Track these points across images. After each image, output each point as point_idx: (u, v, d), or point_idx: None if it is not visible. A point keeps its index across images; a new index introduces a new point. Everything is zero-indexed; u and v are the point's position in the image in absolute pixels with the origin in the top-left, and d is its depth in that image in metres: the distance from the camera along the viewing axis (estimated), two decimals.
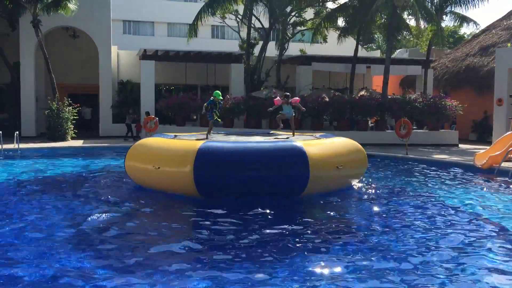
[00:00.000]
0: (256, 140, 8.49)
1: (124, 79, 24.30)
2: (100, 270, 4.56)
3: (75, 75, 24.04)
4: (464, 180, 10.79)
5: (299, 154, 7.39)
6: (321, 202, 7.58)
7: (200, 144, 7.61)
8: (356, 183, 9.19)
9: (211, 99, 9.41)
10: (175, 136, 9.47)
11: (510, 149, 11.72)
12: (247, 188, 7.41)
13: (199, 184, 7.37)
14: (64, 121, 19.07)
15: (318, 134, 10.21)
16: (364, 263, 4.85)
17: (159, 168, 7.77)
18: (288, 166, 7.41)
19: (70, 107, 19.47)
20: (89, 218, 6.56)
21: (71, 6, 19.18)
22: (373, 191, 8.94)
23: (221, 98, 9.57)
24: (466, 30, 50.61)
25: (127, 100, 22.89)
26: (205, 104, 9.55)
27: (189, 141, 8.18)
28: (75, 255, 4.98)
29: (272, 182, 7.41)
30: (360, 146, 8.95)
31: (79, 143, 18.16)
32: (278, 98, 10.16)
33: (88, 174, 11.07)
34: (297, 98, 10.62)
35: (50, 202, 7.72)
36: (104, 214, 6.81)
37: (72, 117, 19.46)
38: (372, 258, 4.97)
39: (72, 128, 19.51)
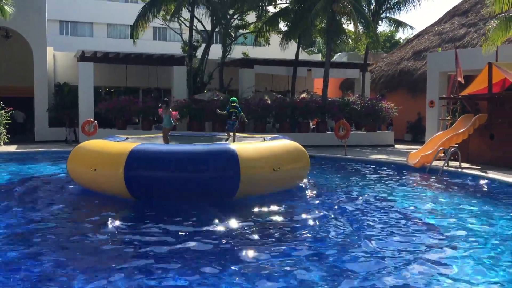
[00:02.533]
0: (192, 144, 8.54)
1: (61, 81, 23.45)
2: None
3: (8, 77, 22.91)
4: (398, 178, 11.29)
5: (230, 156, 7.41)
6: (257, 204, 7.57)
7: (132, 146, 7.61)
8: (298, 184, 9.29)
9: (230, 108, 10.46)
10: (126, 138, 9.53)
11: (440, 148, 12.39)
12: (178, 190, 7.42)
13: (130, 186, 7.37)
14: None
15: (268, 137, 10.31)
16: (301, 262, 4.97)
17: (95, 170, 7.73)
18: (218, 169, 7.43)
19: (3, 111, 18.55)
20: (22, 225, 6.32)
21: (8, 9, 18.29)
22: (312, 191, 9.13)
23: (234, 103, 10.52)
24: (402, 35, 52.97)
25: (64, 103, 22.10)
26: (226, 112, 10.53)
27: (122, 144, 8.24)
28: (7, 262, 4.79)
29: (202, 184, 7.43)
30: (301, 147, 8.97)
31: (12, 148, 17.35)
32: (162, 109, 10.77)
33: (22, 180, 10.60)
34: (176, 112, 11.06)
35: None
36: (35, 219, 6.57)
37: (4, 121, 18.54)
38: (310, 258, 5.10)
39: (4, 133, 18.59)
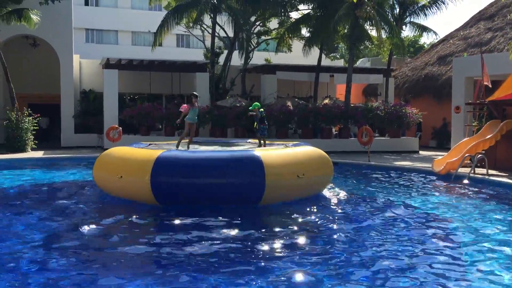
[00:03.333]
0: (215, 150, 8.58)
1: (86, 89, 23.89)
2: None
3: (35, 85, 23.46)
4: (423, 185, 11.10)
5: (255, 163, 7.44)
6: (283, 210, 7.59)
7: (159, 153, 7.70)
8: (323, 191, 9.23)
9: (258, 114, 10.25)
10: (149, 145, 9.59)
11: (467, 155, 12.15)
12: (204, 196, 7.47)
13: (157, 193, 7.46)
14: (24, 132, 18.55)
15: (291, 143, 10.30)
16: (329, 270, 4.91)
17: (121, 177, 7.83)
18: (244, 175, 7.47)
19: (30, 117, 18.98)
20: (51, 229, 6.43)
21: (34, 17, 18.76)
22: (337, 198, 9.03)
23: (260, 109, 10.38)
24: (426, 39, 52.25)
25: (89, 110, 22.50)
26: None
27: (149, 151, 8.36)
28: (34, 268, 4.86)
29: (228, 191, 7.47)
30: (325, 154, 8.96)
31: (39, 154, 17.72)
32: (184, 105, 10.53)
33: (49, 185, 10.81)
34: (185, 105, 10.61)
35: (7, 213, 7.50)
36: (63, 225, 6.68)
37: (32, 127, 18.97)
38: (337, 266, 5.05)
39: (32, 139, 19.01)
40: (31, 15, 18.68)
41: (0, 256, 5.30)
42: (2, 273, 4.74)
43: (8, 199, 9.16)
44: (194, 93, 10.51)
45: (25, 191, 10.02)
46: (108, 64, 21.45)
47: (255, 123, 10.55)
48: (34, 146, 19.15)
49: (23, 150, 18.40)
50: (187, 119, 10.13)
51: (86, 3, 36.40)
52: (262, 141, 10.63)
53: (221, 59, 24.30)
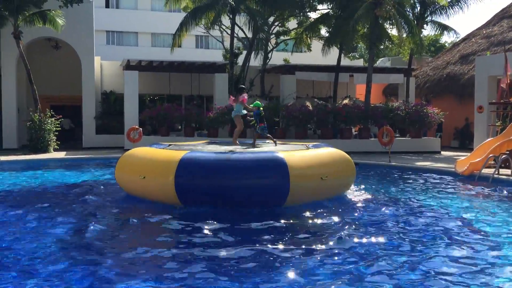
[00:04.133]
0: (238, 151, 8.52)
1: (107, 90, 24.18)
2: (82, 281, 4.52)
3: (58, 86, 23.84)
4: (446, 187, 10.92)
5: (280, 165, 7.41)
6: (306, 212, 7.54)
7: (182, 154, 7.70)
8: (345, 193, 9.16)
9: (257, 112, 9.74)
10: (169, 145, 9.63)
11: (490, 155, 11.92)
12: (227, 197, 7.47)
13: (180, 193, 7.48)
14: (47, 133, 18.86)
15: (311, 144, 10.23)
16: (350, 272, 4.86)
17: (144, 177, 7.88)
18: (268, 177, 7.45)
19: (53, 119, 19.29)
20: (73, 229, 6.50)
21: (60, 21, 19.07)
22: (359, 200, 8.93)
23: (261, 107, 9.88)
24: (447, 38, 51.55)
25: (110, 111, 22.75)
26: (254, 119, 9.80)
27: (172, 152, 8.34)
28: (57, 268, 4.92)
29: (252, 192, 7.45)
30: (347, 156, 8.90)
31: (61, 154, 17.98)
32: (231, 97, 10.09)
33: (72, 185, 10.95)
34: (244, 95, 10.12)
35: (32, 214, 7.61)
36: (87, 225, 6.74)
37: (54, 128, 19.27)
38: (359, 268, 4.99)
39: (54, 140, 19.32)
40: (56, 18, 18.98)
41: (20, 256, 5.37)
42: (23, 271, 4.80)
43: (31, 199, 9.30)
44: (242, 86, 10.37)
45: (48, 191, 10.17)
46: (128, 66, 21.66)
47: (253, 121, 10.22)
48: (56, 147, 19.45)
49: (46, 150, 18.70)
50: (235, 112, 9.93)
51: (107, 5, 36.85)
52: (271, 140, 10.17)
53: (240, 60, 24.34)
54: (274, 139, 10.33)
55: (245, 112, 10.03)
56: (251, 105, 10.11)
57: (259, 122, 9.83)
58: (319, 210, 7.69)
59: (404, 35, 20.94)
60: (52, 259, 5.23)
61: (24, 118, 20.99)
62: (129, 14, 36.53)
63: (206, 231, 6.34)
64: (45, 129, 18.80)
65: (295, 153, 8.20)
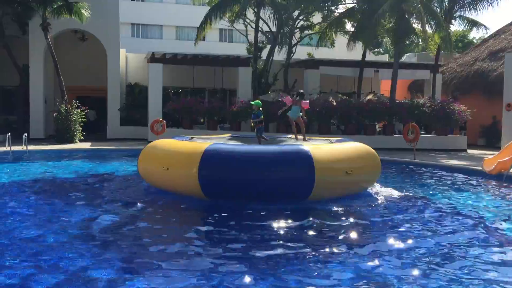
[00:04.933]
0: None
1: (132, 82, 24.41)
2: (104, 271, 4.57)
3: (84, 78, 24.18)
4: (472, 186, 10.71)
5: (305, 158, 7.34)
6: (329, 207, 7.49)
7: (206, 146, 7.67)
8: (369, 188, 9.06)
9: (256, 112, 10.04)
10: (191, 138, 9.66)
11: None
12: (251, 190, 7.42)
13: (204, 186, 7.43)
14: (73, 124, 19.18)
15: (334, 139, 10.14)
16: (370, 269, 4.80)
17: (167, 169, 7.87)
18: (293, 170, 7.38)
19: (78, 110, 19.59)
20: (97, 220, 6.58)
21: (85, 12, 19.34)
22: (384, 197, 8.80)
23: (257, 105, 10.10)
24: (476, 34, 50.37)
25: (134, 103, 22.99)
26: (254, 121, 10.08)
27: (196, 143, 8.31)
28: (82, 257, 4.99)
29: (277, 186, 7.38)
30: (373, 151, 8.76)
31: (87, 145, 18.26)
32: (288, 97, 10.14)
33: (97, 176, 11.11)
34: (307, 101, 10.50)
35: (57, 203, 7.74)
36: (110, 216, 6.82)
37: (80, 119, 19.57)
38: (383, 265, 4.93)
39: (80, 131, 19.63)
40: (82, 10, 19.26)
41: (48, 244, 5.46)
42: (50, 261, 4.88)
43: (58, 188, 9.46)
44: (301, 91, 10.50)
45: (74, 181, 10.34)
46: (153, 58, 21.82)
47: (252, 122, 10.25)
48: (82, 137, 19.77)
49: (71, 141, 19.02)
50: (291, 115, 10.10)
51: None
52: (260, 139, 10.22)
53: (264, 54, 24.26)
54: (262, 140, 10.27)
55: (301, 114, 10.19)
56: (253, 103, 10.28)
57: (258, 123, 10.04)
58: (343, 205, 7.61)
59: (430, 31, 20.55)
60: (77, 249, 5.31)
61: (51, 109, 21.38)
62: (154, 7, 36.76)
63: (229, 226, 6.34)
64: (71, 120, 19.12)
65: (321, 147, 8.14)
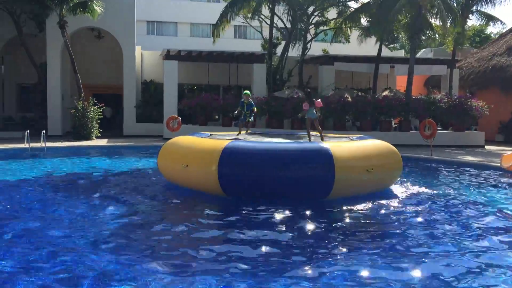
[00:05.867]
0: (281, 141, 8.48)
1: (147, 79, 24.55)
2: (123, 267, 4.62)
3: (100, 75, 24.39)
4: (491, 182, 10.58)
5: (325, 156, 7.29)
6: (350, 205, 7.41)
7: (226, 143, 7.65)
8: (390, 186, 8.94)
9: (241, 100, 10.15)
10: (210, 135, 9.70)
11: None
12: (271, 188, 7.37)
13: (224, 183, 7.42)
14: (89, 121, 19.37)
15: (354, 137, 10.07)
16: (393, 267, 4.78)
17: (187, 166, 7.91)
18: (312, 168, 7.32)
19: (95, 107, 19.78)
20: (115, 216, 6.65)
21: (97, 9, 19.49)
22: (405, 195, 8.70)
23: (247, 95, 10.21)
24: (493, 29, 49.53)
25: (150, 100, 23.12)
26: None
27: (215, 141, 8.27)
28: (100, 253, 5.05)
29: (296, 184, 7.33)
30: (394, 148, 8.67)
31: (103, 142, 18.43)
32: (305, 103, 10.22)
33: (115, 172, 11.21)
34: (319, 100, 10.52)
35: (76, 200, 7.83)
36: (129, 213, 6.89)
37: (97, 116, 19.77)
38: (404, 263, 4.91)
39: (97, 128, 19.83)
40: (94, 7, 19.41)
41: (63, 240, 5.53)
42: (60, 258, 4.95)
43: (74, 185, 9.57)
44: (308, 90, 10.69)
45: (91, 178, 10.45)
46: (168, 56, 21.91)
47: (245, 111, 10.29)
48: (98, 134, 19.97)
49: (88, 138, 19.22)
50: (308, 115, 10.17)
51: None
52: (240, 129, 10.47)
53: (279, 50, 24.19)
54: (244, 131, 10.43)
55: (318, 114, 10.29)
56: (244, 93, 10.40)
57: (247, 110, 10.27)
58: (365, 204, 7.53)
59: (448, 25, 20.29)
60: (98, 245, 5.38)
61: (68, 106, 21.61)
62: (169, 4, 36.91)
63: (244, 225, 6.33)
64: (88, 117, 19.32)
65: (341, 144, 8.07)
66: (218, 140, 8.33)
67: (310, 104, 9.66)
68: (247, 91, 10.57)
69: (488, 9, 23.40)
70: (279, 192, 7.41)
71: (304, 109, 9.56)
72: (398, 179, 9.41)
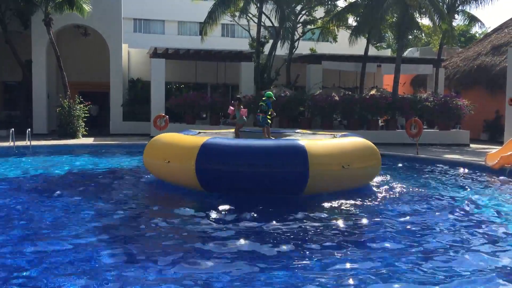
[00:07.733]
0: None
1: (134, 77, 24.40)
2: (107, 266, 4.61)
3: (86, 73, 24.18)
4: (475, 181, 10.71)
5: (299, 152, 7.40)
6: (326, 201, 7.42)
7: (204, 140, 7.87)
8: (368, 183, 9.02)
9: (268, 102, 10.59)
10: (199, 133, 9.95)
11: None
12: (247, 184, 7.54)
13: (201, 179, 7.65)
14: (76, 119, 19.22)
15: (339, 134, 10.15)
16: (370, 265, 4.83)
17: (169, 162, 8.15)
18: (286, 164, 7.45)
19: (81, 105, 19.62)
20: (98, 215, 6.63)
21: (86, 7, 19.34)
22: (384, 192, 8.82)
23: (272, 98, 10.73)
24: (478, 29, 49.95)
25: (137, 98, 22.99)
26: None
27: (195, 137, 8.60)
28: (88, 251, 5.03)
29: (271, 179, 7.49)
30: (373, 145, 8.73)
31: (90, 140, 18.29)
32: (231, 108, 10.99)
33: (100, 171, 11.15)
34: (245, 110, 11.37)
35: (61, 199, 7.77)
36: (114, 211, 6.87)
37: (83, 114, 19.61)
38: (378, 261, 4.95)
39: (83, 126, 19.67)
40: (83, 5, 19.25)
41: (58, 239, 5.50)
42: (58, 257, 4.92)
43: (62, 184, 9.50)
44: (238, 96, 11.22)
45: (76, 177, 10.38)
46: (155, 53, 21.82)
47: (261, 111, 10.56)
48: (85, 132, 19.81)
49: (74, 136, 19.06)
50: (236, 121, 11.13)
51: None
52: (265, 132, 10.61)
53: (266, 49, 24.22)
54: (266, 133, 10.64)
55: (245, 120, 11.19)
56: (264, 96, 10.84)
57: (261, 113, 10.57)
58: (339, 201, 7.53)
59: (431, 24, 20.46)
60: (87, 245, 5.35)
61: (54, 104, 21.42)
62: (156, 2, 36.69)
63: (227, 220, 6.34)
64: (74, 115, 19.16)
65: (317, 141, 8.17)
66: (197, 137, 8.69)
67: (237, 108, 10.49)
68: (270, 92, 11.00)
69: (473, 9, 23.66)
70: (255, 188, 7.56)
71: (229, 112, 10.27)
72: (379, 176, 9.48)
